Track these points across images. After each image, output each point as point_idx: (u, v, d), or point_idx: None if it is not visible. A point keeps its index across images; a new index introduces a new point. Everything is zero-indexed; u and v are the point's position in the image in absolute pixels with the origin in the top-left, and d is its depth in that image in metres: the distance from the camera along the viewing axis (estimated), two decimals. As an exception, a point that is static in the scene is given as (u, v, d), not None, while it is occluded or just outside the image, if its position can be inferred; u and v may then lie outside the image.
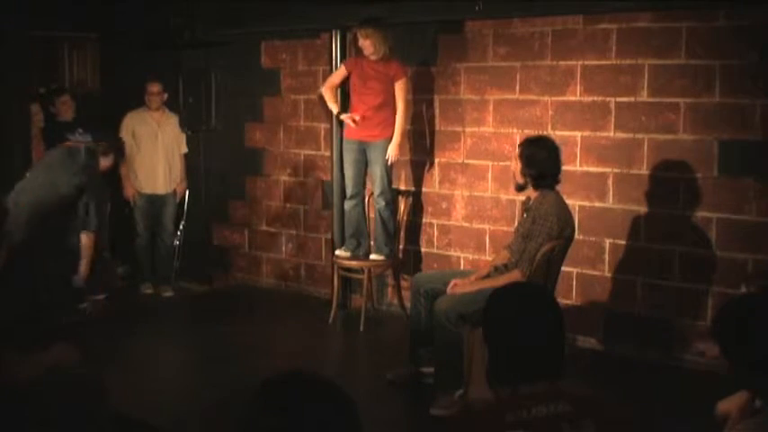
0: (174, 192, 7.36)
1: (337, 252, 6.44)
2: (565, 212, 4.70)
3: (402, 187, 6.55)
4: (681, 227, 5.39)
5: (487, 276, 4.81)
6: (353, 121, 6.05)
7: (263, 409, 1.60)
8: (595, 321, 5.73)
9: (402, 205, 6.45)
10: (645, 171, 5.51)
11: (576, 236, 4.97)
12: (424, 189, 6.53)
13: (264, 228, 7.56)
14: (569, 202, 4.97)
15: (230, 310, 6.93)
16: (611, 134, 5.61)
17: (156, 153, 7.22)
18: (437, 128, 6.40)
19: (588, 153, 5.70)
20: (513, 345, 2.18)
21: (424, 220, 6.56)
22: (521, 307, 2.23)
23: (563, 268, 4.96)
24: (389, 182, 6.22)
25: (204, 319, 6.72)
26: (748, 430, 2.23)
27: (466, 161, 6.28)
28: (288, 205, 7.38)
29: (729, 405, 2.49)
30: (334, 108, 6.28)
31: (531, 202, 4.75)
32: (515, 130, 5.97)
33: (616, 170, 5.61)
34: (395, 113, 6.05)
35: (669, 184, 5.42)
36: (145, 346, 6.01)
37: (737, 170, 5.19)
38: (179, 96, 7.00)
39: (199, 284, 7.55)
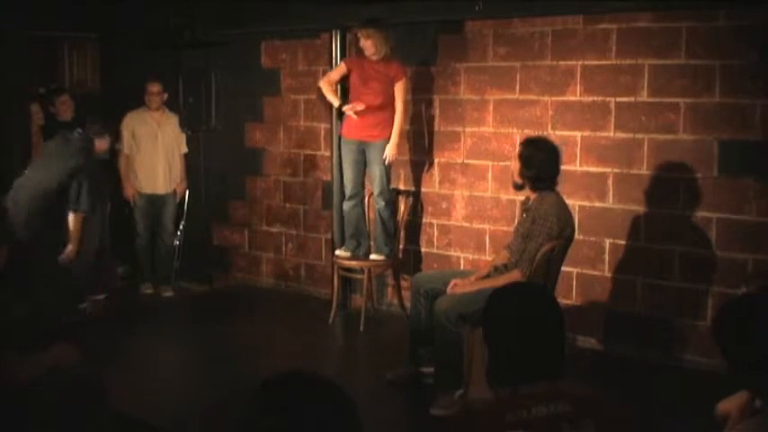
0: (174, 192, 7.36)
1: (337, 252, 6.44)
2: (565, 212, 4.70)
3: (402, 187, 6.55)
4: (681, 227, 5.39)
5: (487, 276, 4.81)
6: (356, 112, 6.01)
7: (263, 409, 1.60)
8: (595, 321, 5.73)
9: (402, 205, 6.45)
10: (645, 171, 5.51)
11: (576, 236, 4.97)
12: (424, 189, 6.53)
13: (264, 228, 7.56)
14: (569, 202, 4.97)
15: (230, 310, 6.93)
16: (611, 134, 5.61)
17: (156, 153, 7.22)
18: (437, 128, 6.40)
19: (588, 153, 5.70)
20: (513, 345, 2.18)
21: (423, 220, 6.56)
22: (521, 307, 2.23)
23: (563, 268, 4.96)
24: (389, 182, 6.22)
25: (204, 319, 6.72)
26: (748, 430, 2.22)
27: (466, 161, 6.28)
28: (288, 205, 7.38)
29: (729, 405, 2.49)
30: (335, 101, 6.25)
31: (530, 202, 4.75)
32: (515, 130, 5.97)
33: (616, 170, 5.61)
34: (394, 114, 6.05)
35: (669, 184, 5.42)
36: (145, 346, 6.01)
37: (737, 170, 5.19)
38: (179, 96, 6.99)
39: (199, 284, 7.55)
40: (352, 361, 6.04)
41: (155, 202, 7.28)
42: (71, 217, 6.02)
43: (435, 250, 6.51)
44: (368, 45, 5.95)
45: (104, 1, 7.72)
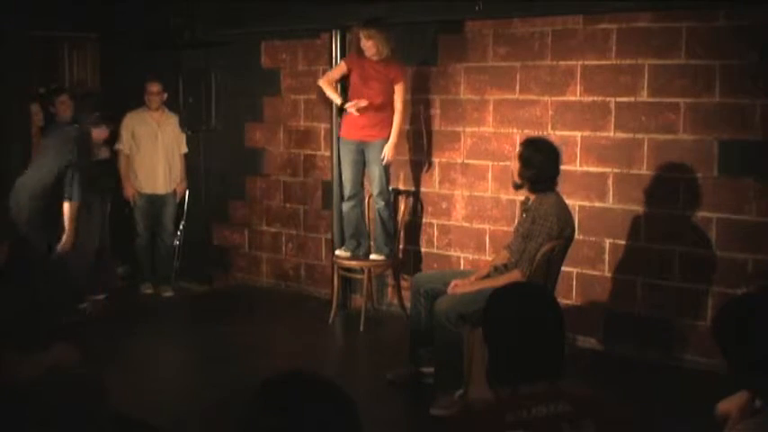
0: (174, 192, 7.35)
1: (337, 252, 6.44)
2: (565, 212, 4.70)
3: (402, 187, 6.55)
4: (681, 227, 5.39)
5: (487, 276, 4.82)
6: (357, 110, 6.00)
7: (263, 409, 1.60)
8: (595, 321, 5.73)
9: (402, 205, 6.46)
10: (645, 171, 5.50)
11: (576, 236, 4.97)
12: (424, 189, 6.53)
13: (264, 228, 7.56)
14: (569, 202, 4.97)
15: (230, 310, 6.93)
16: (611, 134, 5.61)
17: (156, 153, 7.22)
18: (437, 128, 6.40)
19: (588, 153, 5.70)
20: (513, 345, 2.18)
21: (423, 220, 6.56)
22: (521, 307, 2.23)
23: (563, 268, 4.96)
24: (388, 182, 6.22)
25: (204, 319, 6.72)
26: (748, 430, 2.22)
27: (466, 161, 6.28)
28: (288, 205, 7.38)
29: (729, 405, 2.48)
30: (337, 99, 6.21)
31: (530, 202, 4.76)
32: (515, 130, 5.97)
33: (616, 170, 5.61)
34: (393, 114, 6.05)
35: (669, 184, 5.42)
36: (145, 346, 6.00)
37: (737, 170, 5.19)
38: (179, 96, 6.99)
39: (199, 284, 7.55)
40: (352, 361, 6.04)
41: (155, 202, 7.28)
42: (65, 207, 6.02)
43: (435, 250, 6.51)
44: (369, 46, 5.94)
45: (104, 1, 7.72)
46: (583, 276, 5.76)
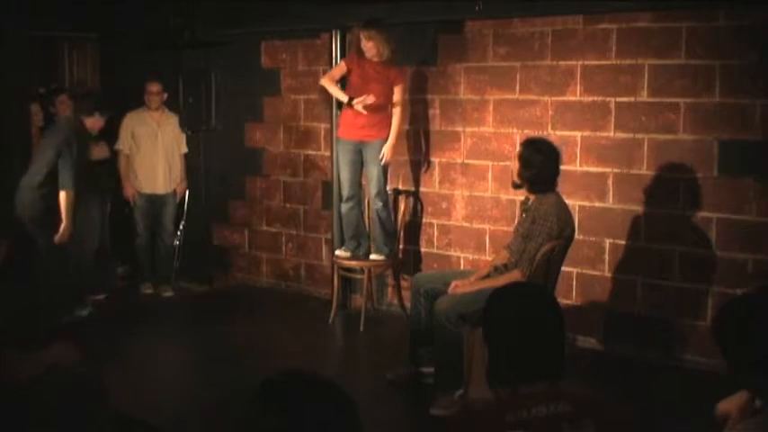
0: (174, 192, 7.35)
1: (337, 252, 6.44)
2: (565, 212, 4.70)
3: (402, 187, 6.55)
4: (681, 227, 5.39)
5: (487, 276, 4.82)
6: (358, 109, 5.96)
7: (263, 409, 1.60)
8: (595, 321, 5.73)
9: (402, 205, 6.45)
10: (645, 171, 5.51)
11: (576, 236, 4.97)
12: (423, 189, 6.53)
13: (264, 228, 7.56)
14: (569, 202, 4.97)
15: (230, 310, 6.93)
16: (611, 134, 5.61)
17: (156, 153, 7.22)
18: (437, 128, 6.40)
19: (588, 153, 5.70)
20: (513, 345, 2.18)
21: (423, 220, 6.56)
22: (521, 307, 2.23)
23: (563, 268, 4.96)
24: (386, 182, 6.22)
25: (204, 319, 6.72)
26: (748, 430, 2.22)
27: (466, 161, 6.28)
28: (288, 205, 7.37)
29: (729, 405, 2.48)
30: (343, 97, 6.10)
31: (530, 202, 4.76)
32: (515, 130, 5.97)
33: (616, 170, 5.61)
34: (391, 114, 6.04)
35: (669, 184, 5.42)
36: (145, 346, 6.01)
37: (737, 170, 5.19)
38: (179, 96, 6.99)
39: (199, 284, 7.54)
40: (352, 361, 6.04)
41: (155, 202, 7.28)
42: (61, 196, 6.01)
43: (435, 250, 6.51)
44: (369, 47, 5.93)
45: (104, 1, 7.71)
46: (583, 276, 5.76)
